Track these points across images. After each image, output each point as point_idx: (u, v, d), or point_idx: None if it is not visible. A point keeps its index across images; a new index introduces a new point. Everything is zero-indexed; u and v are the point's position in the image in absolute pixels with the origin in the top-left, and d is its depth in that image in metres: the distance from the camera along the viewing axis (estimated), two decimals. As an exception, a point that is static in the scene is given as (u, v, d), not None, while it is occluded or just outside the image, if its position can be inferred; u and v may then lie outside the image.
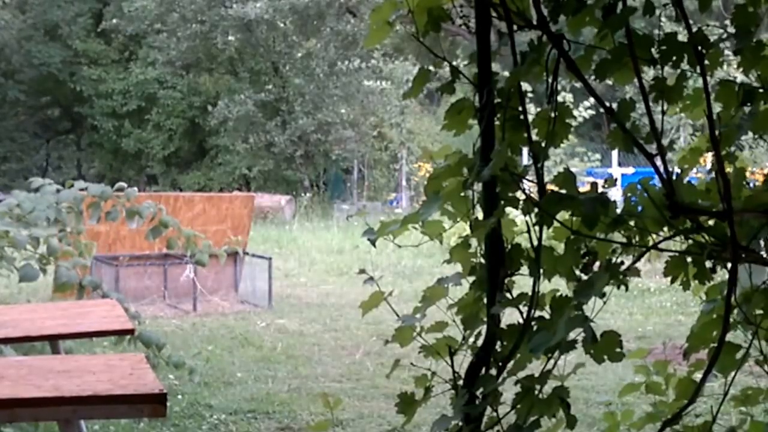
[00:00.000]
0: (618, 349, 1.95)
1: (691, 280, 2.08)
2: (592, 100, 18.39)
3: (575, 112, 19.79)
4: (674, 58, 1.93)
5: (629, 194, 1.98)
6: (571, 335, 1.91)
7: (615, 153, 20.81)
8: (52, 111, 33.15)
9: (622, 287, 2.01)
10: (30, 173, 32.22)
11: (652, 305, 10.91)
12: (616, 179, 2.03)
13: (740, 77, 2.12)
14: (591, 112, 19.30)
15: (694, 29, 1.95)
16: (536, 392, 1.96)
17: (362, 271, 2.17)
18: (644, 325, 9.57)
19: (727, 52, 2.11)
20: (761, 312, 2.02)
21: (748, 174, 2.08)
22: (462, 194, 2.03)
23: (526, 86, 2.12)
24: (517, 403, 1.96)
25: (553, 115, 2.04)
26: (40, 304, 6.70)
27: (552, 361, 1.97)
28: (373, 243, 2.13)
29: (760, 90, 2.03)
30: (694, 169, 2.25)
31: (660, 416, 2.24)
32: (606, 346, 1.95)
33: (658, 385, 2.44)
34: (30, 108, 32.60)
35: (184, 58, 28.97)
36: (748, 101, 2.03)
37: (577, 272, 1.99)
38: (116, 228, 11.37)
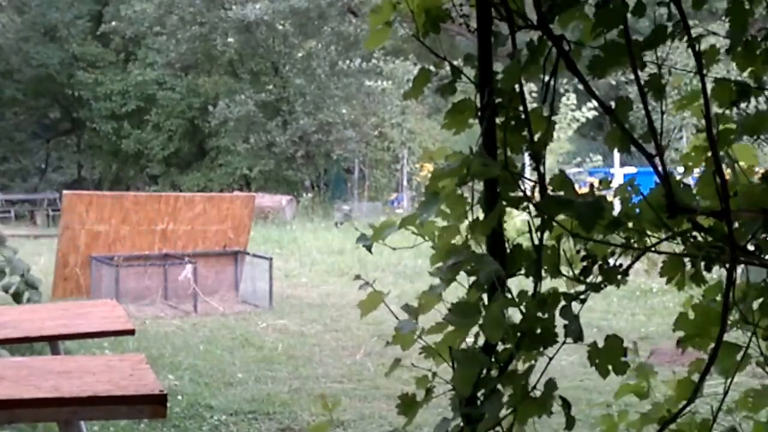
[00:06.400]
0: (622, 359, 1.94)
1: (687, 282, 2.07)
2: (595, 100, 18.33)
3: (578, 113, 19.81)
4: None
5: (621, 196, 1.98)
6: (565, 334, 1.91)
7: (617, 153, 20.80)
8: (52, 111, 33.17)
9: (623, 287, 2.01)
10: (29, 174, 32.22)
11: (655, 306, 10.92)
12: (610, 180, 2.03)
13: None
14: (594, 112, 19.31)
15: (693, 28, 1.95)
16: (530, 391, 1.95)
17: (358, 277, 2.16)
18: (647, 326, 9.58)
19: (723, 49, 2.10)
20: (759, 311, 2.02)
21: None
22: (459, 194, 2.03)
23: (533, 86, 2.12)
24: (512, 403, 1.95)
25: (546, 113, 2.03)
26: (41, 305, 6.71)
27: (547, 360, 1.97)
28: (369, 249, 2.13)
29: (755, 87, 2.02)
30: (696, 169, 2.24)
31: (654, 416, 2.23)
32: (609, 354, 1.94)
33: (643, 389, 2.44)
34: (29, 108, 32.62)
35: (183, 60, 28.98)
36: (742, 99, 2.02)
37: (568, 271, 1.99)
38: (116, 228, 11.37)
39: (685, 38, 1.92)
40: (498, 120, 2.07)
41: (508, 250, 2.05)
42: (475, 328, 1.97)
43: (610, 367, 1.96)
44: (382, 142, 28.14)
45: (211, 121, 27.94)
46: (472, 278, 2.06)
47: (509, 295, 2.00)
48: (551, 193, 1.93)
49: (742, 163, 2.11)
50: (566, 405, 1.98)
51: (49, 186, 30.40)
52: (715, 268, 2.00)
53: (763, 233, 1.92)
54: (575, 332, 1.90)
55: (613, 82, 21.39)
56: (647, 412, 2.28)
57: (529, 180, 2.00)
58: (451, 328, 2.00)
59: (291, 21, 27.16)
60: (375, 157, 28.38)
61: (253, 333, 9.32)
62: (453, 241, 2.05)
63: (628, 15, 1.90)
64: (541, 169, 1.99)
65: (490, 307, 1.95)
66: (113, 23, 29.95)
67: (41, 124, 33.69)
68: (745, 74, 2.05)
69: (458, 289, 2.02)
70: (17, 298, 7.28)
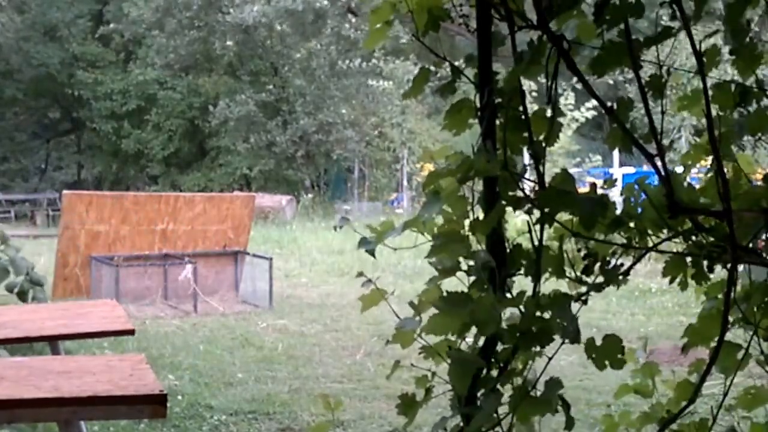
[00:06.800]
0: (620, 355, 1.94)
1: (689, 281, 2.07)
2: (593, 100, 18.34)
3: (577, 113, 19.82)
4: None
5: (627, 195, 1.97)
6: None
7: (616, 153, 20.82)
8: (52, 111, 33.17)
9: (622, 286, 2.01)
10: (29, 173, 32.21)
11: (654, 306, 10.91)
12: (615, 179, 2.03)
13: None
14: (593, 112, 19.31)
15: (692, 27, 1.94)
16: (530, 391, 1.95)
17: (360, 274, 2.16)
18: (646, 326, 9.57)
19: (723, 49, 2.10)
20: (761, 310, 2.02)
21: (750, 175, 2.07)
22: (460, 194, 2.03)
23: (533, 85, 2.12)
24: (512, 403, 1.95)
25: (549, 114, 2.03)
26: (41, 305, 6.71)
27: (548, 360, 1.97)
28: (372, 254, 2.12)
29: (755, 90, 2.02)
30: (695, 169, 2.24)
31: (655, 416, 2.23)
32: (607, 351, 1.94)
33: (648, 387, 2.43)
34: (29, 108, 32.62)
35: (182, 61, 28.97)
36: (744, 102, 2.02)
37: (570, 272, 1.98)
38: (116, 228, 11.37)
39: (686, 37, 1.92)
40: (498, 120, 2.07)
41: (508, 250, 2.05)
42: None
43: (606, 362, 1.96)
44: (382, 142, 28.14)
45: (211, 121, 27.94)
46: (473, 278, 2.06)
47: (509, 295, 2.00)
48: (552, 185, 1.93)
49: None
50: (566, 405, 1.98)
51: (49, 186, 30.40)
52: (719, 268, 1.99)
53: (764, 233, 1.92)
54: (572, 333, 1.90)
55: (611, 82, 21.40)
56: (647, 412, 2.28)
57: (529, 180, 2.00)
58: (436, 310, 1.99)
59: (290, 22, 27.15)
60: (375, 157, 28.37)
61: (253, 333, 9.32)
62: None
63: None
64: (541, 168, 1.99)
65: (480, 299, 1.95)
66: (112, 25, 29.92)
67: (41, 124, 33.67)
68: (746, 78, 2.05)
69: (460, 288, 2.02)
70: (22, 296, 7.26)
